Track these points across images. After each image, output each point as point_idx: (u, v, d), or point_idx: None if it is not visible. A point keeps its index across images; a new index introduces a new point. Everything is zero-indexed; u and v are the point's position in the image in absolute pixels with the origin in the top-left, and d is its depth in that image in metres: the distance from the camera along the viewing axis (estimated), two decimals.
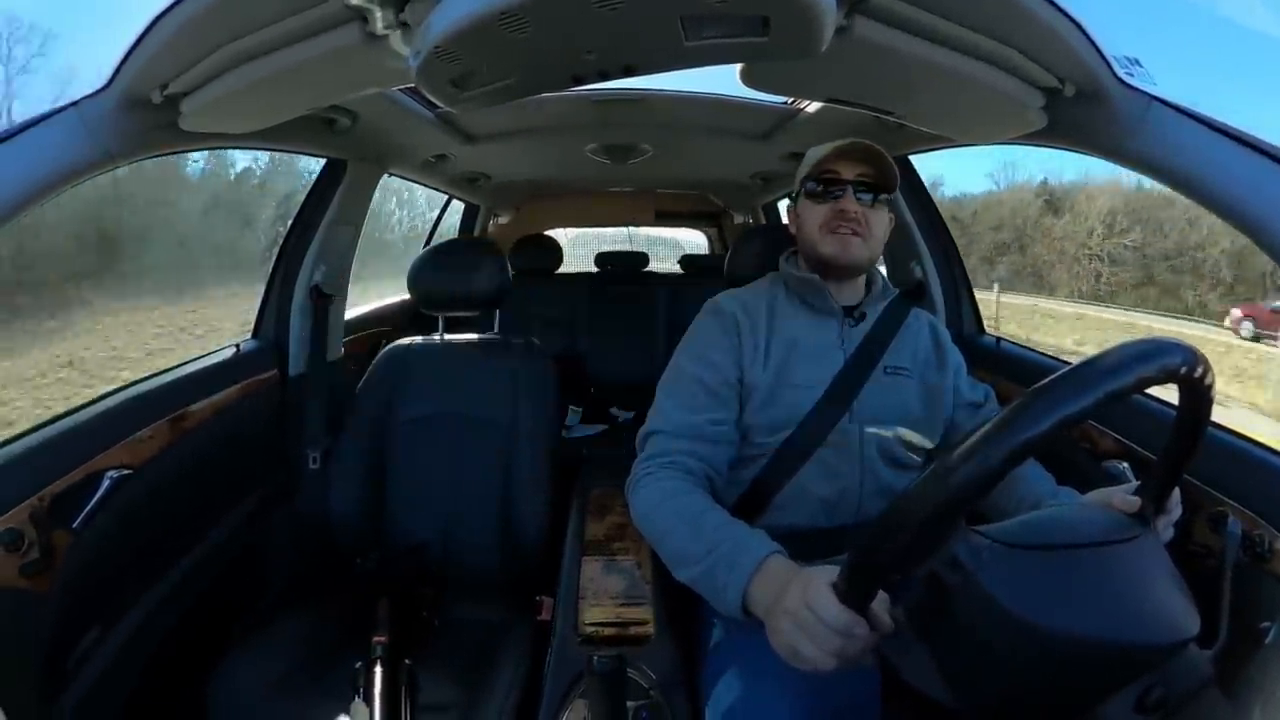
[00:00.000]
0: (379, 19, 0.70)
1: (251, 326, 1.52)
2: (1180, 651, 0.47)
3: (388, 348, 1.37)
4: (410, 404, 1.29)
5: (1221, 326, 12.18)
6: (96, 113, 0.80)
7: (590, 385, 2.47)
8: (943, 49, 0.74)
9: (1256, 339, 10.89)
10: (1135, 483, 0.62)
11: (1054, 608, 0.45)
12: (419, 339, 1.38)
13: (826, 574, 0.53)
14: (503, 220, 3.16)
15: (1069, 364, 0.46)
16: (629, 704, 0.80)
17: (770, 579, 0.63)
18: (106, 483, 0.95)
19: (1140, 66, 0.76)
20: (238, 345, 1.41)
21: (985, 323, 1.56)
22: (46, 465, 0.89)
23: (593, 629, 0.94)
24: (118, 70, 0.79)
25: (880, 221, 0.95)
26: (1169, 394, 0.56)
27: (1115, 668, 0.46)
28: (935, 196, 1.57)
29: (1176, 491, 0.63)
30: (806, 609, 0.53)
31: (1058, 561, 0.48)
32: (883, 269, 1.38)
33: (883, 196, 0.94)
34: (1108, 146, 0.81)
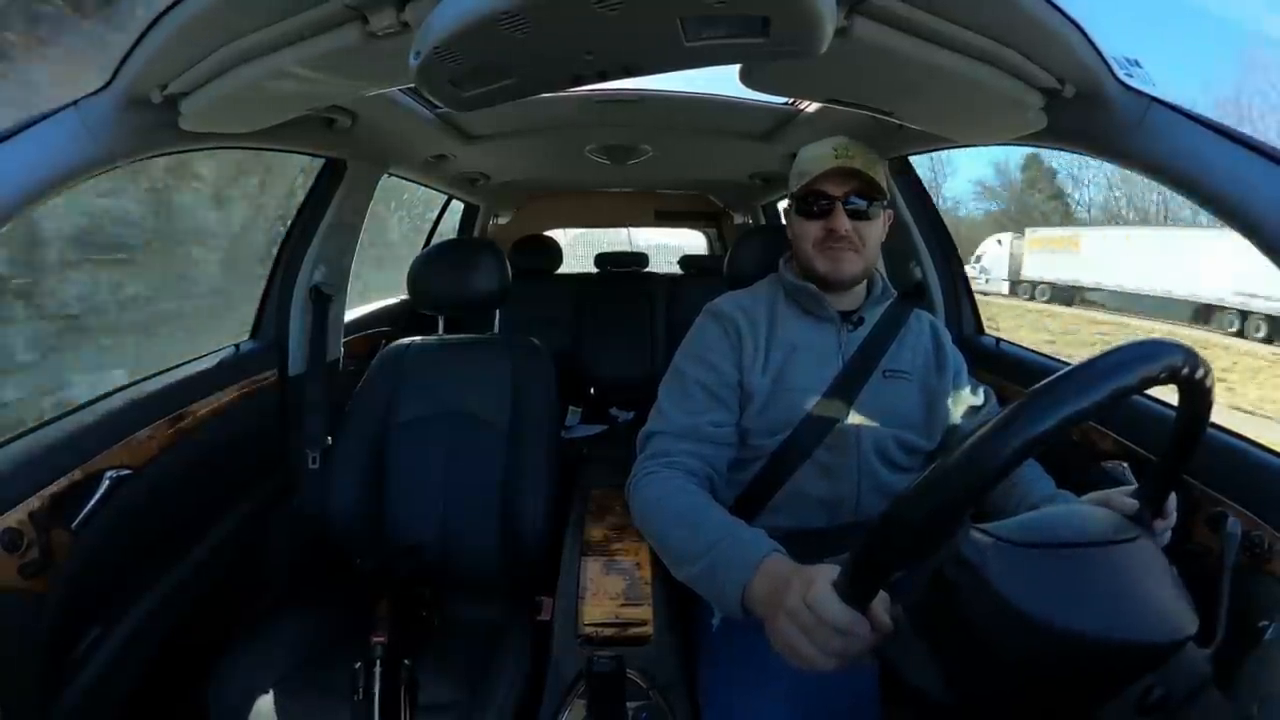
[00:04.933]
0: (379, 19, 0.71)
1: None
2: (1180, 651, 0.47)
3: (387, 347, 1.36)
4: (410, 404, 1.29)
5: None
6: (96, 113, 0.80)
7: (590, 385, 2.47)
8: (942, 50, 0.74)
9: None
10: (1133, 485, 0.63)
11: (1059, 605, 0.45)
12: (418, 339, 1.38)
13: (828, 572, 0.52)
14: (502, 220, 3.16)
15: (1069, 364, 0.46)
16: (628, 704, 0.80)
17: (770, 578, 0.63)
18: (106, 483, 0.95)
19: (1140, 67, 0.76)
20: (237, 345, 1.41)
21: None
22: (46, 465, 0.89)
23: (592, 629, 0.94)
24: (118, 70, 0.79)
25: (874, 231, 0.94)
26: (1168, 394, 0.56)
27: (1117, 666, 0.46)
28: None
29: (1173, 498, 0.63)
30: (807, 608, 0.52)
31: (1062, 559, 0.48)
32: (882, 268, 1.39)
33: (875, 205, 0.93)
34: (1107, 147, 0.81)
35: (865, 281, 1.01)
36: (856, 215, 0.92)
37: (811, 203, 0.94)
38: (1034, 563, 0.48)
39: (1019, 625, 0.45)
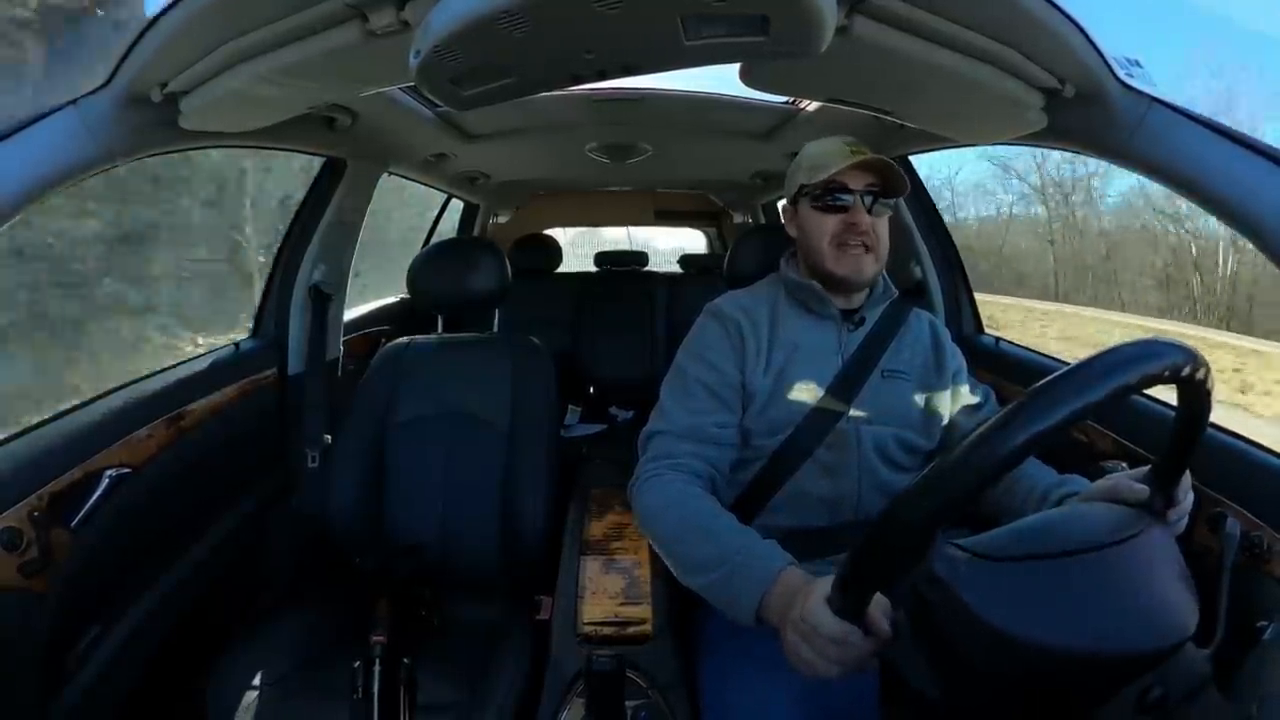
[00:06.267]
0: (379, 18, 0.70)
1: None
2: (1176, 652, 0.47)
3: (386, 346, 1.36)
4: (409, 403, 1.29)
5: None
6: (96, 111, 0.80)
7: (590, 384, 2.47)
8: (943, 49, 0.74)
9: None
10: (1144, 468, 0.61)
11: (1036, 620, 0.44)
12: (418, 338, 1.38)
13: (823, 587, 0.54)
14: (502, 219, 3.16)
15: (1067, 364, 0.46)
16: (628, 704, 0.80)
17: (784, 591, 0.64)
18: (105, 482, 0.95)
19: (1140, 67, 0.76)
20: (237, 344, 1.41)
21: None
22: (45, 464, 0.89)
23: (591, 628, 0.95)
24: (117, 68, 0.79)
25: (885, 228, 0.94)
26: (1167, 394, 0.56)
27: (1105, 675, 0.46)
28: None
29: (1187, 478, 0.60)
30: (804, 621, 0.54)
31: (1041, 572, 0.48)
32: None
33: (888, 202, 0.93)
34: (1108, 147, 0.81)
35: None
36: (874, 211, 0.92)
37: (830, 196, 0.92)
38: (1009, 577, 0.47)
39: (996, 642, 0.44)
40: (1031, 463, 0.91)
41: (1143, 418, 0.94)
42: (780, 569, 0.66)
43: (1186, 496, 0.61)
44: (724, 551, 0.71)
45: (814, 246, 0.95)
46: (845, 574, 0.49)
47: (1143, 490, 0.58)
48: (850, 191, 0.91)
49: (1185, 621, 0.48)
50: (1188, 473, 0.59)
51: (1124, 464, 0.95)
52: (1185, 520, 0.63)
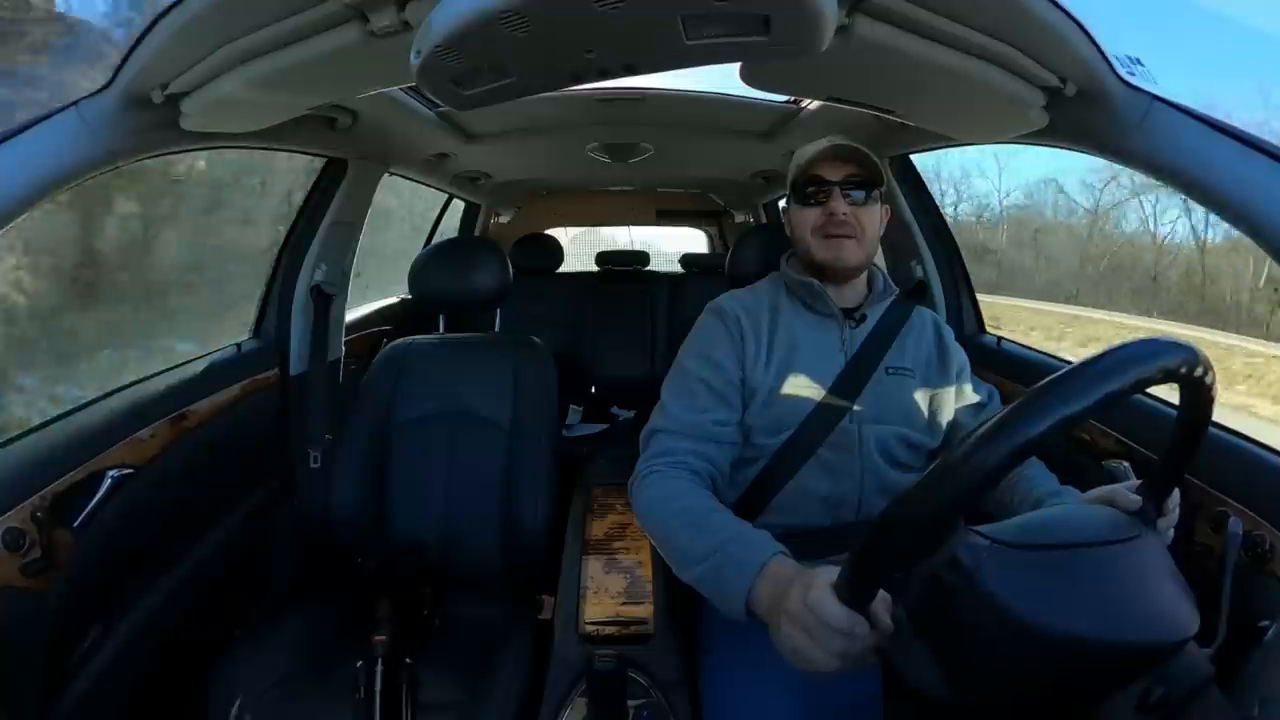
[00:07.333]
0: (379, 18, 0.71)
1: None
2: (1180, 651, 0.47)
3: (388, 346, 1.37)
4: (411, 402, 1.29)
5: None
6: (97, 112, 0.80)
7: (591, 384, 2.47)
8: (944, 48, 0.74)
9: None
10: (1136, 480, 0.62)
11: (1055, 607, 0.45)
12: (420, 337, 1.38)
13: (827, 575, 0.53)
14: (503, 219, 3.16)
15: (1069, 363, 0.46)
16: (629, 703, 0.80)
17: (774, 580, 0.63)
18: (108, 482, 0.95)
19: (1142, 66, 0.76)
20: (238, 345, 1.41)
21: None
22: (48, 464, 0.89)
23: (593, 628, 0.95)
24: (118, 69, 0.79)
25: (872, 218, 0.95)
26: (1169, 394, 0.56)
27: (1116, 667, 0.46)
28: None
29: (1176, 493, 0.62)
30: (807, 610, 0.52)
31: (1059, 561, 0.48)
32: (883, 265, 1.38)
33: (873, 193, 0.94)
34: (1109, 146, 0.81)
35: (867, 279, 1.01)
36: (854, 200, 0.92)
37: (809, 189, 0.94)
38: (1030, 564, 0.47)
39: (1015, 629, 0.44)
40: (1034, 464, 0.91)
41: (1145, 417, 0.94)
42: (769, 557, 0.66)
43: (1174, 510, 0.64)
44: (716, 542, 0.71)
45: (800, 239, 0.97)
46: (857, 562, 0.49)
47: (1136, 500, 0.59)
48: (829, 183, 0.92)
49: (1190, 619, 0.48)
50: (1176, 491, 0.62)
51: (1126, 463, 0.95)
52: (1171, 533, 0.66)
